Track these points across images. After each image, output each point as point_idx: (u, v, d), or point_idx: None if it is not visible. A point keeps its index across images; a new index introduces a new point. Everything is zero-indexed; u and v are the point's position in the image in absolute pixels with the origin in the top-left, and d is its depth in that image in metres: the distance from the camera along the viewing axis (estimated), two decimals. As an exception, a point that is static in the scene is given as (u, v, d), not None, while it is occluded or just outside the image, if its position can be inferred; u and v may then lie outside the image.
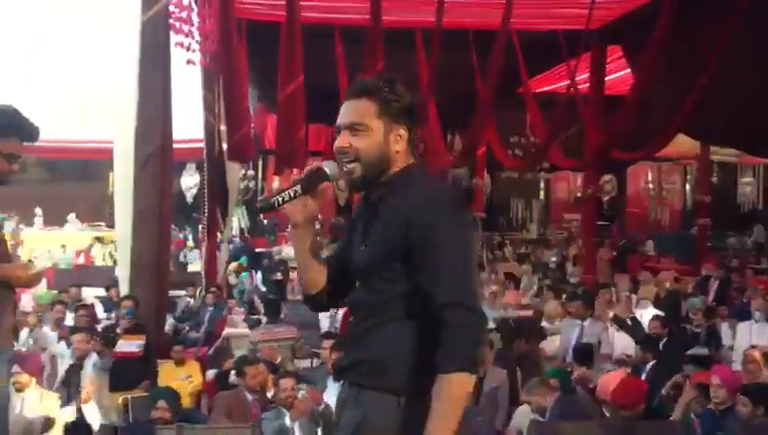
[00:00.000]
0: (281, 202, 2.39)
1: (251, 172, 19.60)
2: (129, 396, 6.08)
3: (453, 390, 2.05)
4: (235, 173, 14.72)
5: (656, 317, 8.13)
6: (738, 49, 8.83)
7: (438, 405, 2.05)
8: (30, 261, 13.11)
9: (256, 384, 5.73)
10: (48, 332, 8.08)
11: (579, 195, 19.60)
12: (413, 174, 2.31)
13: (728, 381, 5.28)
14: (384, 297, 2.23)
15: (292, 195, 2.40)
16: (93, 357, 6.74)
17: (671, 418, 5.27)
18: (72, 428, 5.24)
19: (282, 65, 10.35)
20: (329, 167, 2.39)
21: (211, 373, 7.55)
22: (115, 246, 10.61)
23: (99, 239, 17.39)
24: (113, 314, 8.65)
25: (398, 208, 2.23)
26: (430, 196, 2.22)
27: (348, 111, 2.31)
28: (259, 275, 13.98)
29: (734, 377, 5.57)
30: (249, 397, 5.73)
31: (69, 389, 6.33)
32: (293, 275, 13.69)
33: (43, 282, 12.53)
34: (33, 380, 5.76)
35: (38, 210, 19.34)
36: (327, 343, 6.44)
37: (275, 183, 26.43)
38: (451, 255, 2.13)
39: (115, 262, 10.64)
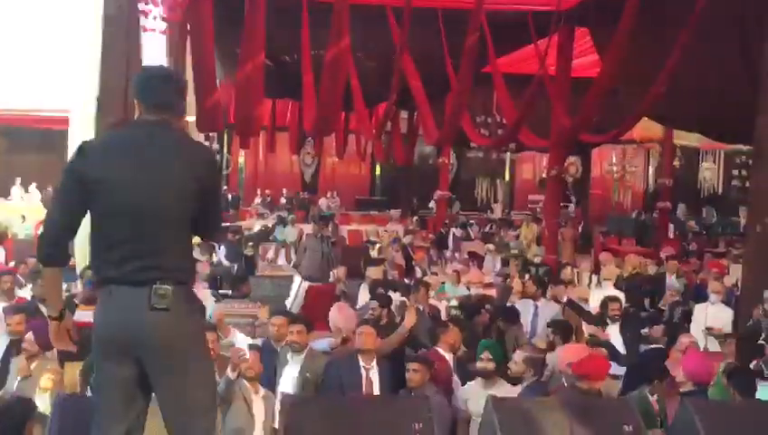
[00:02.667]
0: None
1: (216, 146, 19.40)
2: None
3: None
4: (200, 146, 14.59)
5: (614, 298, 8.19)
6: (703, 35, 8.92)
7: None
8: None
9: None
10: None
11: (544, 176, 19.76)
12: None
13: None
14: None
15: None
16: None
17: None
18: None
19: (244, 40, 10.26)
20: None
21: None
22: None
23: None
24: (75, 284, 8.53)
25: None
26: None
27: None
28: (222, 250, 13.87)
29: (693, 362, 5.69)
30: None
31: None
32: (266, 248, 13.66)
33: (1, 254, 12.34)
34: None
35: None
36: (276, 320, 6.40)
37: (241, 158, 26.37)
38: None
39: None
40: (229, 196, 24.06)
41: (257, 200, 23.50)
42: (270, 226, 17.08)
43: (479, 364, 5.56)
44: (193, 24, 10.94)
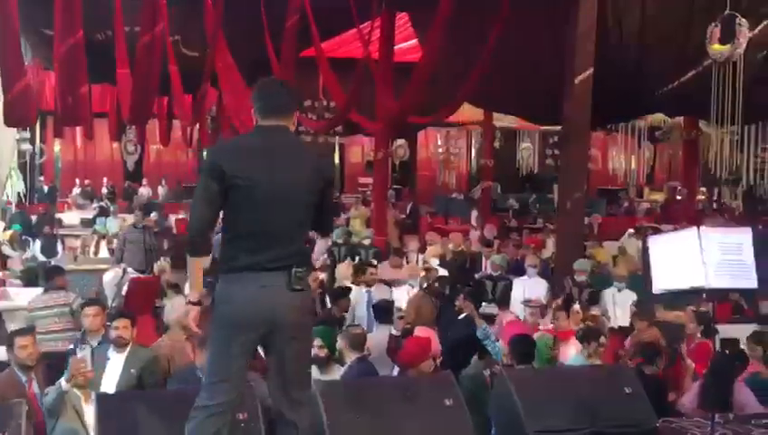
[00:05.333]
0: None
1: (26, 134, 18.09)
2: None
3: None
4: (9, 136, 13.63)
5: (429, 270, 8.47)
6: (516, 22, 9.34)
7: None
8: None
9: (27, 357, 5.16)
10: None
11: (371, 159, 20.04)
12: None
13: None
14: None
15: None
16: None
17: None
18: None
19: (58, 17, 9.67)
20: None
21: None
22: None
23: None
24: None
25: None
26: None
27: None
28: (38, 244, 13.07)
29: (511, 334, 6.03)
30: (22, 376, 5.15)
31: None
32: (75, 242, 12.99)
33: None
34: None
35: None
36: (91, 310, 6.11)
37: (57, 146, 24.88)
38: None
39: None
40: (45, 187, 22.72)
41: (76, 191, 22.32)
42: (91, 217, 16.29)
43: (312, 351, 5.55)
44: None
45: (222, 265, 3.40)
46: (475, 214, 17.23)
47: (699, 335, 7.04)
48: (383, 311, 7.07)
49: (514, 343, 5.56)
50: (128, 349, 5.54)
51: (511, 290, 9.17)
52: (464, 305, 6.87)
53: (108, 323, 5.93)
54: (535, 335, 6.34)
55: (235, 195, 3.29)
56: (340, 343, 5.55)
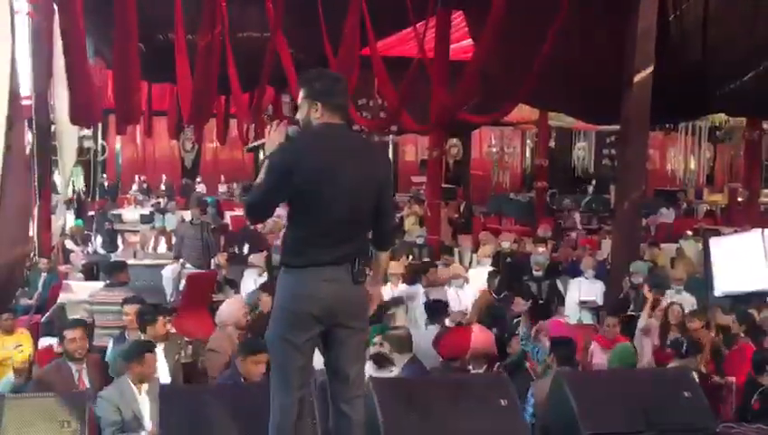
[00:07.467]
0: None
1: (88, 132, 18.48)
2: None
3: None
4: (71, 132, 13.98)
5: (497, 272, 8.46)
6: (574, 21, 9.23)
7: None
8: None
9: (75, 349, 5.34)
10: None
11: (424, 158, 19.99)
12: None
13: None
14: None
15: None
16: None
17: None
18: None
19: (117, 22, 9.90)
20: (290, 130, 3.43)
21: (44, 342, 7.19)
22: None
23: None
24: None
25: None
26: None
27: None
28: (99, 239, 13.37)
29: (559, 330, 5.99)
30: (73, 368, 5.32)
31: None
32: (134, 238, 13.22)
33: None
34: None
35: None
36: (129, 308, 6.22)
37: (118, 144, 25.42)
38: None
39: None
40: (105, 183, 23.24)
41: (135, 188, 22.81)
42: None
43: (372, 349, 5.56)
44: (60, 3, 10.43)
45: (285, 261, 3.41)
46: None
47: (743, 336, 6.89)
48: (434, 311, 7.05)
49: (556, 345, 5.53)
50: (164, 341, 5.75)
51: (556, 288, 9.10)
52: (518, 306, 6.83)
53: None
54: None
55: (303, 195, 3.28)
56: (385, 347, 5.52)
